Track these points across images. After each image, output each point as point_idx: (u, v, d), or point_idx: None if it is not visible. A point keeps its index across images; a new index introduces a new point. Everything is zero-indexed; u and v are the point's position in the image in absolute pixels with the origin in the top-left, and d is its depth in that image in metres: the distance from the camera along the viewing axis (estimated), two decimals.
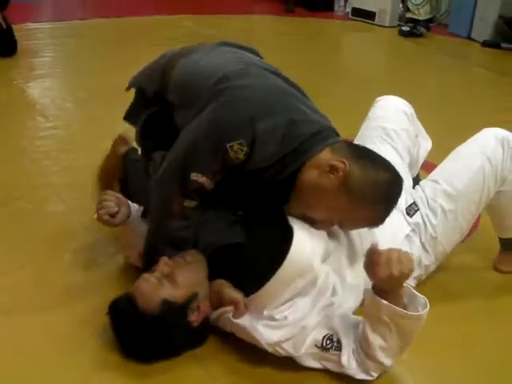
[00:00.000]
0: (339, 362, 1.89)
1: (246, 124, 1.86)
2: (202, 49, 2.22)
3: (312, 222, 2.00)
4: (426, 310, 1.79)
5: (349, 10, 7.34)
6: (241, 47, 2.29)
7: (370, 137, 2.47)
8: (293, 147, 1.93)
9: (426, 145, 2.64)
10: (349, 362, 1.88)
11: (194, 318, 1.91)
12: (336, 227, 2.06)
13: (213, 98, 1.94)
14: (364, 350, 1.85)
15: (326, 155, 1.95)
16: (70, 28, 6.13)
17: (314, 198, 1.95)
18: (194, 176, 1.91)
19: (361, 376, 1.88)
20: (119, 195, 2.22)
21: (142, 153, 2.31)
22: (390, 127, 2.47)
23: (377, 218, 1.99)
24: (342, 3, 7.48)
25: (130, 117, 2.29)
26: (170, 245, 2.00)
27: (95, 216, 2.15)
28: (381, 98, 2.60)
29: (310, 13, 7.41)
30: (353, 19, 7.21)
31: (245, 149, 1.86)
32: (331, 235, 2.07)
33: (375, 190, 1.92)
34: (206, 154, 1.90)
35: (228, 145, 1.86)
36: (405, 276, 1.75)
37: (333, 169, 1.91)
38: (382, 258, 1.74)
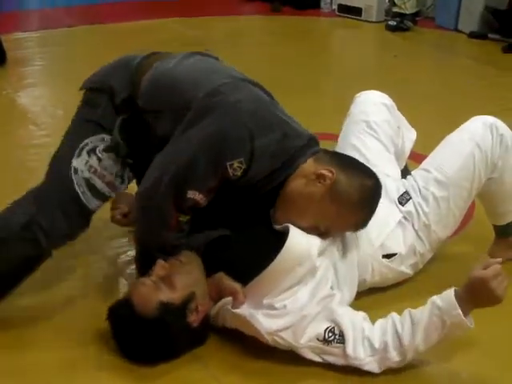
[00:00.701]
0: (343, 354, 1.91)
1: (246, 141, 1.89)
2: (173, 56, 2.22)
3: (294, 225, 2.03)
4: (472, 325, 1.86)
5: (335, 6, 7.34)
6: (207, 55, 2.29)
7: (353, 131, 2.51)
8: (283, 160, 1.99)
9: (410, 135, 2.66)
10: (355, 352, 1.90)
11: (193, 318, 1.93)
12: None
13: (207, 112, 1.95)
14: (392, 345, 1.89)
15: (310, 165, 2.02)
16: (57, 36, 6.12)
17: (302, 206, 2.01)
18: (191, 194, 1.93)
19: (368, 367, 1.91)
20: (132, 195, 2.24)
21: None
22: (372, 120, 2.50)
23: (361, 222, 2.07)
24: (328, 0, 7.48)
25: (103, 120, 2.18)
26: (164, 252, 2.01)
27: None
28: (360, 93, 2.63)
29: (296, 11, 7.40)
30: (340, 16, 7.21)
31: (243, 166, 1.90)
32: None
33: (360, 196, 2.02)
34: (205, 171, 1.92)
35: (228, 163, 1.89)
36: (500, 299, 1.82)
37: (320, 177, 1.98)
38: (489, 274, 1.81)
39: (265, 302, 1.93)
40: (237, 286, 1.94)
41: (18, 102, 4.27)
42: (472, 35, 6.28)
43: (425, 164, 2.38)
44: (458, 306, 1.83)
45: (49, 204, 2.03)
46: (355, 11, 7.05)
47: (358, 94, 2.63)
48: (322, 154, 2.08)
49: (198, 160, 1.91)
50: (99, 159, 2.09)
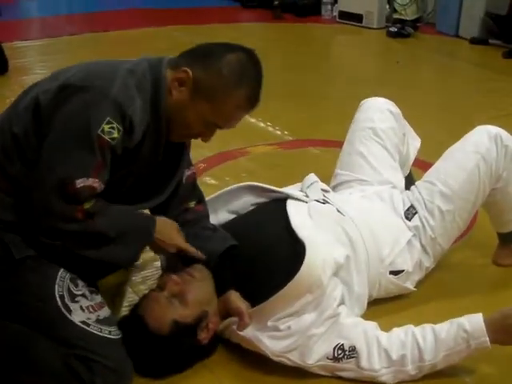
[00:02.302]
0: (356, 368, 1.91)
1: (100, 100, 1.73)
2: None
3: (195, 136, 1.98)
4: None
5: (336, 13, 7.36)
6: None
7: (359, 138, 2.50)
8: (150, 91, 1.86)
9: (414, 143, 2.66)
10: (370, 363, 1.90)
11: (204, 336, 1.92)
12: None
13: (48, 111, 1.78)
14: (411, 358, 1.89)
15: (170, 75, 1.88)
16: (59, 44, 6.13)
17: (183, 116, 1.89)
18: (80, 183, 1.73)
19: (382, 379, 1.91)
20: None
21: None
22: (378, 127, 2.49)
23: (248, 100, 1.91)
24: (329, 7, 7.50)
25: None
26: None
27: None
28: (365, 100, 2.62)
29: (297, 18, 7.43)
30: (340, 22, 7.23)
31: (115, 124, 1.74)
32: (340, 245, 2.09)
33: (227, 77, 1.85)
34: (78, 154, 1.74)
35: (98, 131, 1.72)
36: None
37: (180, 82, 1.86)
38: None
39: (269, 324, 1.91)
40: (243, 307, 1.90)
41: None
42: (473, 41, 6.29)
43: (429, 176, 2.36)
44: (486, 333, 1.85)
45: None
46: (356, 18, 7.06)
47: (363, 101, 2.62)
48: (174, 59, 1.93)
49: (65, 149, 1.73)
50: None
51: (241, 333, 1.92)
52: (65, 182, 1.71)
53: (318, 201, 2.20)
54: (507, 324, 1.87)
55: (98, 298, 1.90)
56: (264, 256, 2.00)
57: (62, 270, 1.85)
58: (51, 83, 1.83)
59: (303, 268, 1.90)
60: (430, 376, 1.93)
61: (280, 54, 5.84)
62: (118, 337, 1.83)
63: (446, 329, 1.91)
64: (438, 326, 1.93)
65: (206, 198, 2.26)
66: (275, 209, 2.14)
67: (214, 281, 1.99)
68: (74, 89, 1.76)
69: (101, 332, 1.79)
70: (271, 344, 1.89)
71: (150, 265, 2.45)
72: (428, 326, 1.95)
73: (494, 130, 2.29)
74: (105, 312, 1.87)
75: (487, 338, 1.85)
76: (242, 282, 1.98)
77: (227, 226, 2.18)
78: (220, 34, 6.60)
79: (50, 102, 1.78)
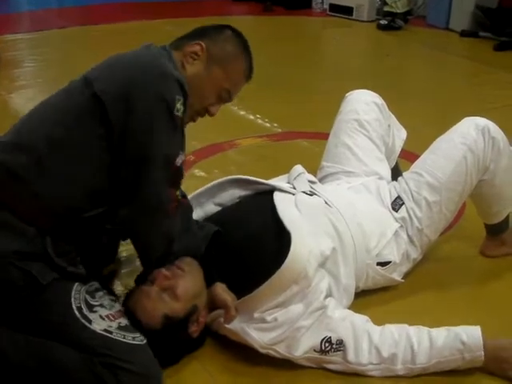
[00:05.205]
0: (343, 361, 1.92)
1: (168, 78, 1.80)
2: None
3: (203, 112, 2.04)
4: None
5: (326, 6, 7.36)
6: None
7: (345, 130, 2.51)
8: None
9: (400, 134, 2.67)
10: (357, 357, 1.92)
11: (194, 329, 1.92)
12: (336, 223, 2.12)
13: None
14: (402, 359, 1.92)
15: (177, 54, 1.98)
16: (49, 37, 6.11)
17: (199, 87, 1.96)
18: (179, 160, 1.85)
19: (370, 374, 1.92)
20: None
21: None
22: (363, 118, 2.50)
23: (250, 69, 2.09)
24: (320, 0, 7.49)
25: None
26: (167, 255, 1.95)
27: None
28: (350, 92, 2.63)
29: (288, 11, 7.42)
30: (331, 15, 7.23)
31: (181, 98, 1.81)
32: (327, 236, 2.09)
33: (234, 45, 2.04)
34: (172, 134, 1.82)
35: (176, 111, 1.80)
36: None
37: (194, 55, 1.98)
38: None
39: (256, 315, 1.91)
40: (229, 299, 1.91)
41: (10, 104, 4.25)
42: (463, 34, 6.31)
43: (416, 167, 2.36)
44: (483, 347, 1.87)
45: None
46: (346, 10, 7.07)
47: (348, 93, 2.63)
48: (176, 42, 2.05)
49: (162, 131, 1.79)
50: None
51: (228, 326, 1.93)
52: (169, 158, 1.81)
53: (305, 192, 2.20)
54: (500, 355, 1.91)
55: (118, 307, 1.90)
56: (250, 247, 2.00)
57: (76, 283, 1.85)
58: (108, 84, 1.82)
59: (288, 259, 1.90)
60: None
61: (270, 47, 5.82)
62: (142, 342, 1.82)
63: (442, 336, 1.92)
64: (434, 332, 1.94)
65: (192, 194, 2.27)
66: (262, 200, 2.15)
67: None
68: (139, 80, 1.79)
69: (124, 338, 1.79)
70: (258, 336, 1.90)
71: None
72: (424, 330, 1.96)
73: (482, 121, 2.29)
74: (126, 319, 1.86)
75: (482, 353, 1.87)
76: (229, 273, 1.99)
77: (213, 217, 2.19)
78: None
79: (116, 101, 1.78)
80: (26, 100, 4.35)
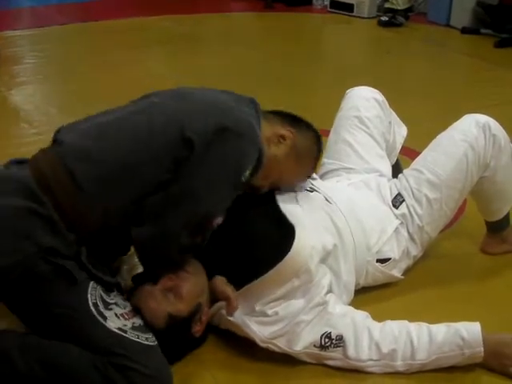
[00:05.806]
0: (343, 357, 1.92)
1: (251, 149, 1.90)
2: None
3: (253, 189, 2.07)
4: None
5: (327, 2, 7.34)
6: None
7: (345, 126, 2.51)
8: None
9: (401, 131, 2.66)
10: (357, 353, 1.92)
11: (197, 329, 1.92)
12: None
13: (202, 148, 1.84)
14: (402, 355, 1.91)
15: (266, 128, 2.03)
16: (49, 34, 6.10)
17: (270, 168, 2.01)
18: (216, 222, 1.95)
19: (369, 370, 1.92)
20: None
21: None
22: (364, 115, 2.50)
23: (311, 168, 2.23)
24: None
25: None
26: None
27: None
28: (351, 89, 2.63)
29: (288, 8, 7.41)
30: (332, 12, 7.22)
31: (251, 167, 1.91)
32: (327, 233, 2.09)
33: (313, 147, 2.18)
34: (225, 194, 1.90)
35: (244, 175, 1.89)
36: None
37: (282, 138, 2.06)
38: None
39: (257, 308, 1.92)
40: (230, 291, 1.92)
41: (10, 100, 4.25)
42: (464, 30, 6.29)
43: (417, 164, 2.36)
44: (482, 343, 1.87)
45: None
46: (347, 7, 7.05)
47: (349, 90, 2.62)
48: (266, 113, 2.10)
49: (217, 188, 1.87)
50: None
51: (229, 318, 1.93)
52: (208, 215, 1.90)
53: (305, 189, 2.21)
54: (503, 346, 1.92)
55: (130, 306, 1.90)
56: (253, 240, 2.01)
57: (92, 281, 1.85)
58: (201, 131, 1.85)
59: (291, 252, 1.91)
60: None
61: (271, 44, 5.82)
62: (154, 343, 1.82)
63: (442, 332, 1.92)
64: (434, 328, 1.94)
65: None
66: (263, 196, 2.14)
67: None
68: (231, 134, 1.86)
69: (138, 338, 1.79)
70: (259, 329, 1.90)
71: None
72: (424, 326, 1.96)
73: (482, 118, 2.29)
74: (139, 319, 1.86)
75: (482, 349, 1.87)
76: (230, 266, 1.99)
77: None
78: (211, 24, 6.59)
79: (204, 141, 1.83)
80: (25, 96, 4.36)
